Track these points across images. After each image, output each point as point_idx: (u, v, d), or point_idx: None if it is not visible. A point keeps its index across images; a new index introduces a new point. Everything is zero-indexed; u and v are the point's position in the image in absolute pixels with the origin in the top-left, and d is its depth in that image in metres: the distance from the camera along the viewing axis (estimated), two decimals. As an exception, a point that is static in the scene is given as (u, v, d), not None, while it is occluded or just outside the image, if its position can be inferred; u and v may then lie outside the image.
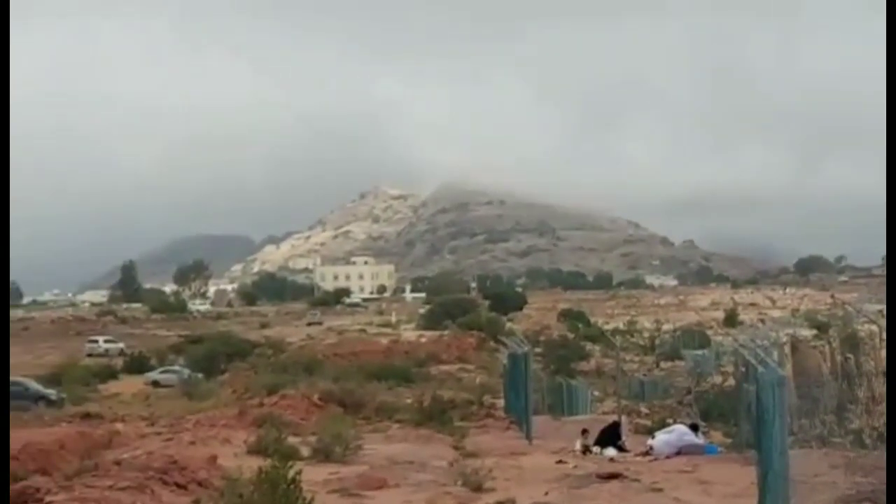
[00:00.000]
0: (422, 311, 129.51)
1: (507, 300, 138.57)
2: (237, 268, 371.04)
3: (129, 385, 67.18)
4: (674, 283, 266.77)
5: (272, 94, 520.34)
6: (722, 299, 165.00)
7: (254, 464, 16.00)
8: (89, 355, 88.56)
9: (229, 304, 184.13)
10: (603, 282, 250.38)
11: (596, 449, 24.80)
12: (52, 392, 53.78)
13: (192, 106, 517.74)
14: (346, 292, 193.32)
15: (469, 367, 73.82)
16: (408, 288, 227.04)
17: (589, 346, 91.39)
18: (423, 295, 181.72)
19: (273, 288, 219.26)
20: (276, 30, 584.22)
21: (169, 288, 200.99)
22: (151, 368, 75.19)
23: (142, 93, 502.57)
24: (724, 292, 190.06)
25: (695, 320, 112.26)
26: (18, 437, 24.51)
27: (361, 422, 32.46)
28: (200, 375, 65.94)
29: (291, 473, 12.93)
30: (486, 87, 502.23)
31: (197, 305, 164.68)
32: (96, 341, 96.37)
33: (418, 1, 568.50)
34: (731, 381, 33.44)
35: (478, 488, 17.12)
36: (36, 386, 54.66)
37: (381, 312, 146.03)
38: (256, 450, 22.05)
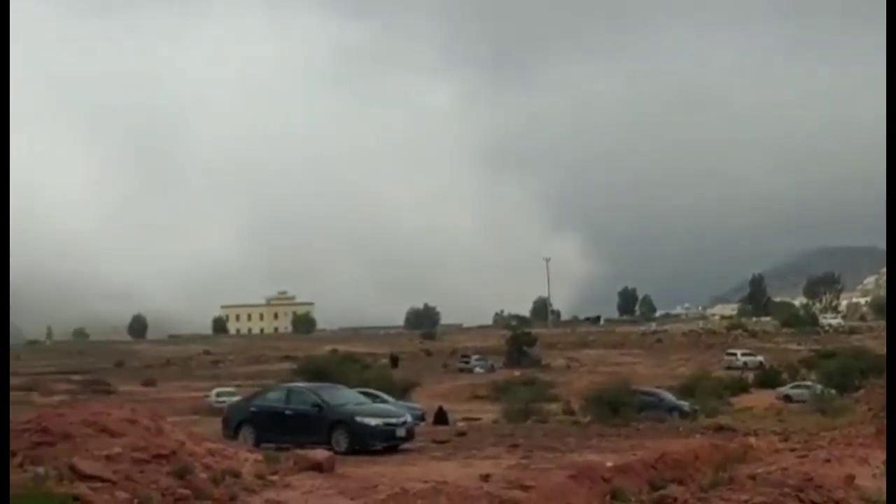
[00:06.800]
0: None
1: None
2: (870, 280, 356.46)
3: (760, 399, 67.22)
4: None
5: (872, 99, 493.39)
6: None
7: (894, 486, 15.25)
8: (728, 368, 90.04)
9: (862, 318, 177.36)
10: None
11: None
12: (685, 403, 55.26)
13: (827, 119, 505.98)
14: None
15: None
16: None
17: None
18: None
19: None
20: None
21: (798, 301, 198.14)
22: (782, 383, 74.60)
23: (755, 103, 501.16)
24: None
25: None
26: (655, 447, 25.59)
27: None
28: (833, 391, 64.06)
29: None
30: None
31: (828, 319, 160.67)
32: (735, 354, 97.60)
33: None
34: None
35: None
36: (670, 397, 56.61)
37: None
38: (896, 471, 21.03)
